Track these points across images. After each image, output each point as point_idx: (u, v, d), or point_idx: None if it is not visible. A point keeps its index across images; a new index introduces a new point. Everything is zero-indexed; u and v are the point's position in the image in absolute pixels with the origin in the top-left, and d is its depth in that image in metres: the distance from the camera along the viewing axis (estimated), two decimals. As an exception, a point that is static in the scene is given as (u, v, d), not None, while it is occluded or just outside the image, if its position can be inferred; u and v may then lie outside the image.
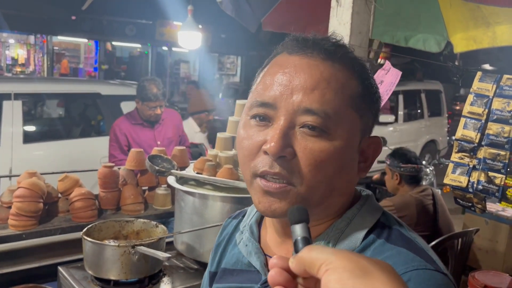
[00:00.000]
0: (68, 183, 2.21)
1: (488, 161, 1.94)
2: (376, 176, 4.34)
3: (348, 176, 0.69)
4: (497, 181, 1.92)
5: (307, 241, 0.49)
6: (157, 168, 2.09)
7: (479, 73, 2.04)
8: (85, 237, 1.66)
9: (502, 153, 1.91)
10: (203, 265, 1.85)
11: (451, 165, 2.08)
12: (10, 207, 2.03)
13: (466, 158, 2.01)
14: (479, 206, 2.04)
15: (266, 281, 0.69)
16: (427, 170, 4.89)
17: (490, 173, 1.94)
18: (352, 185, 0.72)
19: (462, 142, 2.04)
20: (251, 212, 0.83)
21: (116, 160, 2.99)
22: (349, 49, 0.71)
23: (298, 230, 0.50)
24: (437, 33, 3.06)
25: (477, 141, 1.99)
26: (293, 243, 0.49)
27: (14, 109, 3.85)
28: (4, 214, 2.03)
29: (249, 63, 15.47)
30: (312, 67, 0.66)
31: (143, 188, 2.47)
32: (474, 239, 3.00)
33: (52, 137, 4.42)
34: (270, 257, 0.74)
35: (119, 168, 2.40)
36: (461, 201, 2.10)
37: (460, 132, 2.05)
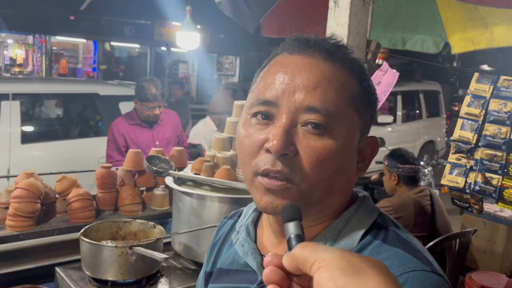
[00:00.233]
0: (66, 184, 2.20)
1: (485, 162, 1.94)
2: (374, 176, 4.34)
3: (348, 175, 0.70)
4: (494, 182, 1.92)
5: (300, 238, 0.49)
6: (155, 168, 2.09)
7: (476, 74, 2.04)
8: (83, 238, 1.66)
9: (499, 154, 1.92)
10: (201, 266, 1.84)
11: (448, 166, 2.08)
12: (7, 208, 2.02)
13: (463, 159, 2.02)
14: (476, 207, 2.04)
15: (262, 281, 0.70)
16: (425, 170, 4.89)
17: (487, 174, 1.95)
18: (351, 184, 0.72)
19: (459, 143, 2.04)
20: (247, 213, 0.83)
21: (113, 161, 2.99)
22: (349, 50, 0.72)
23: (291, 228, 0.50)
24: (435, 34, 3.07)
25: (474, 142, 2.00)
26: (286, 240, 0.49)
27: (12, 109, 3.84)
28: (2, 215, 2.03)
29: (248, 63, 15.47)
30: (313, 66, 0.67)
31: (141, 188, 2.46)
32: (472, 239, 3.01)
33: (50, 137, 4.42)
34: None
35: (116, 169, 2.40)
36: (458, 202, 2.11)
37: (457, 133, 2.06)
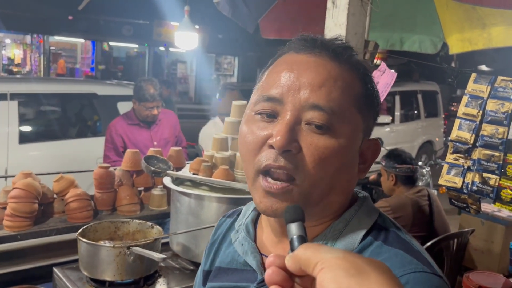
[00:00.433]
0: (64, 184, 2.20)
1: (483, 162, 1.95)
2: (372, 176, 4.35)
3: (349, 175, 0.70)
4: (492, 182, 1.92)
5: (303, 239, 0.49)
6: (153, 168, 2.09)
7: (473, 75, 2.05)
8: (80, 238, 1.66)
9: (497, 154, 1.92)
10: (199, 266, 1.85)
11: (446, 166, 2.09)
12: (5, 208, 2.02)
13: (460, 159, 2.02)
14: (474, 207, 2.05)
15: (262, 281, 0.70)
16: (424, 171, 4.90)
17: (485, 174, 1.95)
18: (351, 185, 0.73)
19: (457, 143, 2.05)
20: (247, 211, 0.83)
21: (110, 161, 2.99)
22: (355, 52, 0.72)
23: (294, 228, 0.50)
24: (433, 35, 3.07)
25: (471, 142, 2.00)
26: (289, 241, 0.50)
27: (10, 109, 3.84)
28: (-1, 215, 2.03)
29: (246, 63, 15.48)
30: (320, 65, 0.67)
31: (139, 188, 2.46)
32: (470, 239, 3.01)
33: (48, 137, 4.41)
34: (267, 256, 0.74)
35: (115, 169, 2.40)
36: (456, 202, 2.11)
37: (455, 133, 2.06)
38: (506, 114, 1.92)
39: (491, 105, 1.96)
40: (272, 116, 0.67)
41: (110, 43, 14.06)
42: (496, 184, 1.92)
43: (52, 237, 2.09)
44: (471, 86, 2.04)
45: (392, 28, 3.12)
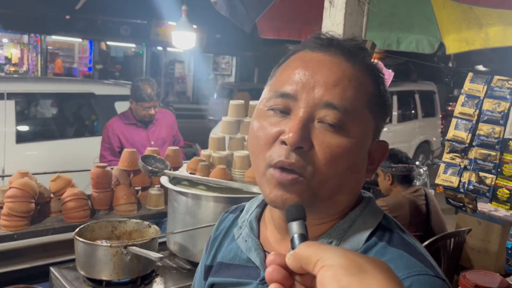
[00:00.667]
0: (61, 183, 2.20)
1: (479, 162, 1.96)
2: (370, 176, 4.36)
3: (358, 175, 0.70)
4: (488, 181, 1.93)
5: (304, 237, 0.49)
6: (150, 168, 2.09)
7: (470, 74, 2.05)
8: (77, 238, 1.66)
9: (493, 153, 1.93)
10: (196, 265, 1.85)
11: (442, 166, 2.10)
12: (1, 207, 2.01)
13: (457, 158, 2.03)
14: (470, 206, 2.05)
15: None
16: (421, 170, 4.92)
17: (481, 174, 1.96)
18: (359, 185, 0.73)
19: (454, 143, 2.05)
20: (250, 208, 0.83)
21: (105, 161, 2.98)
22: (369, 54, 0.73)
23: (295, 227, 0.50)
24: (430, 35, 3.08)
25: (468, 141, 2.01)
26: (290, 240, 0.50)
27: (7, 109, 3.83)
28: (-4, 215, 2.02)
29: (244, 63, 15.48)
30: (335, 64, 0.68)
31: (136, 188, 2.46)
32: (467, 239, 3.02)
33: (46, 137, 4.40)
34: (270, 253, 0.74)
35: (112, 168, 2.39)
36: (453, 201, 2.12)
37: (451, 133, 2.07)
38: (502, 113, 1.93)
39: (488, 105, 1.97)
40: (284, 112, 0.67)
41: (108, 42, 14.03)
42: (493, 183, 1.93)
43: (49, 237, 2.09)
44: (467, 85, 2.05)
45: (389, 28, 3.13)
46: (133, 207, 2.31)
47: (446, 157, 2.07)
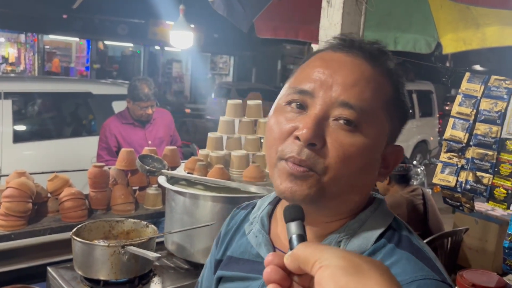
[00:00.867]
0: (58, 183, 2.19)
1: (476, 161, 1.96)
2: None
3: (369, 176, 0.70)
4: (485, 181, 1.94)
5: (302, 238, 0.49)
6: (147, 168, 2.09)
7: (467, 74, 2.06)
8: (75, 237, 1.65)
9: (490, 153, 1.94)
10: (194, 265, 1.85)
11: (440, 165, 2.10)
12: (-2, 207, 2.01)
13: (454, 158, 2.03)
14: (467, 205, 2.06)
15: None
16: (418, 170, 4.93)
17: (478, 173, 1.96)
18: (370, 186, 0.73)
19: (451, 142, 2.06)
20: (262, 205, 0.83)
21: (102, 160, 2.98)
22: (391, 58, 0.73)
23: (293, 227, 0.50)
24: (427, 34, 3.09)
25: (465, 141, 2.01)
26: (288, 240, 0.50)
27: (4, 109, 3.81)
28: (-7, 214, 2.01)
29: (242, 63, 15.47)
30: (355, 65, 0.68)
31: (134, 188, 2.45)
32: (464, 238, 3.03)
33: (43, 136, 4.39)
34: (280, 249, 0.75)
35: (109, 168, 2.39)
36: (450, 201, 2.12)
37: (448, 132, 2.07)
38: (499, 113, 1.93)
39: (485, 104, 1.98)
40: (301, 107, 0.68)
41: (105, 42, 14.00)
42: (490, 182, 1.93)
43: (46, 237, 2.08)
44: (465, 85, 2.05)
45: (387, 28, 3.14)
46: (130, 207, 2.31)
47: (444, 156, 2.08)
